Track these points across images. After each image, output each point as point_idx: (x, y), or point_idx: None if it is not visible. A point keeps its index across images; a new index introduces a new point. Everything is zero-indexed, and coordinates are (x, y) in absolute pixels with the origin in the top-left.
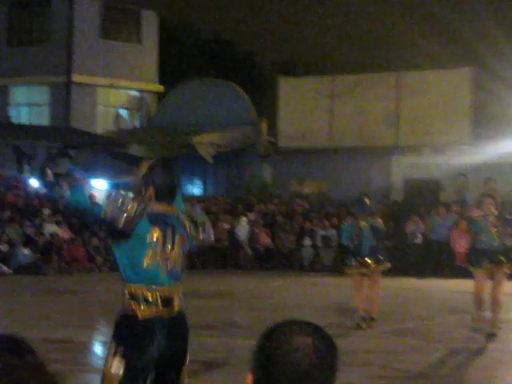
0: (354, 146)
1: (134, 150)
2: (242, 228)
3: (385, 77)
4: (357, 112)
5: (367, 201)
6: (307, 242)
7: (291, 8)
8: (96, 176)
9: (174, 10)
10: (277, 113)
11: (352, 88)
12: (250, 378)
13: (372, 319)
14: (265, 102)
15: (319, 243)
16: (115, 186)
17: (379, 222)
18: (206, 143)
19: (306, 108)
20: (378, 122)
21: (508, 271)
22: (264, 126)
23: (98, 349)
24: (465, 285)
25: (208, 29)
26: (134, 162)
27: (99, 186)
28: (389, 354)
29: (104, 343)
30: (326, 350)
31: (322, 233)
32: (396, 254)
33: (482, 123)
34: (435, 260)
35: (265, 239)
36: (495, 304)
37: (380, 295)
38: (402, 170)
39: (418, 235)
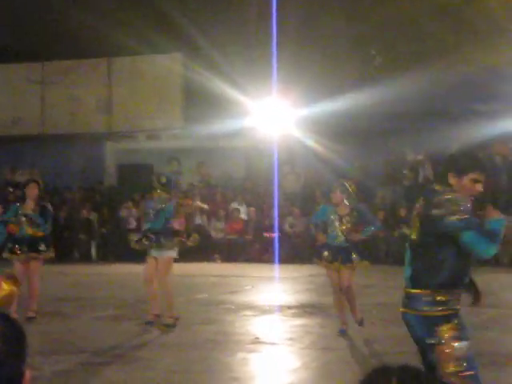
0: (66, 133)
1: None
2: None
3: (96, 63)
4: (68, 98)
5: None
6: None
7: None
8: None
9: None
10: None
11: (63, 74)
12: None
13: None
14: None
15: None
16: None
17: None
18: None
19: (16, 95)
20: (91, 108)
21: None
22: None
23: None
24: (186, 268)
25: None
26: None
27: None
28: (103, 339)
29: None
30: (13, 337)
31: None
32: (111, 240)
33: (194, 107)
34: None
35: None
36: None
37: (82, 282)
38: (116, 155)
39: (131, 221)
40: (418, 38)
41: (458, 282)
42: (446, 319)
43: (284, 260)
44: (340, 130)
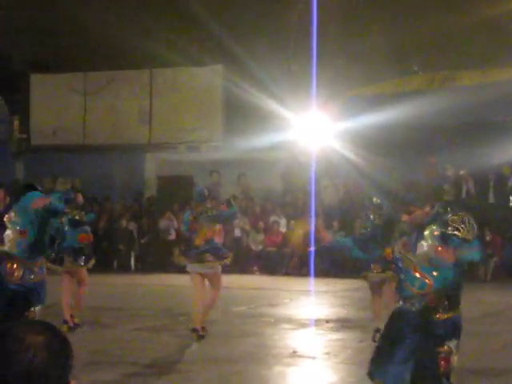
0: (107, 143)
1: None
2: None
3: (138, 74)
4: (110, 109)
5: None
6: None
7: (41, 2)
8: None
9: None
10: (29, 109)
11: (105, 85)
12: None
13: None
14: (17, 99)
15: None
16: None
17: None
18: None
19: (58, 105)
20: (132, 119)
21: None
22: (16, 123)
23: None
24: (224, 281)
25: None
26: None
27: None
28: (142, 350)
29: None
30: (59, 348)
31: None
32: (150, 250)
33: (234, 120)
34: None
35: None
36: None
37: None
38: (156, 167)
39: (171, 232)
40: (458, 52)
41: None
42: None
43: (324, 273)
44: (379, 143)
